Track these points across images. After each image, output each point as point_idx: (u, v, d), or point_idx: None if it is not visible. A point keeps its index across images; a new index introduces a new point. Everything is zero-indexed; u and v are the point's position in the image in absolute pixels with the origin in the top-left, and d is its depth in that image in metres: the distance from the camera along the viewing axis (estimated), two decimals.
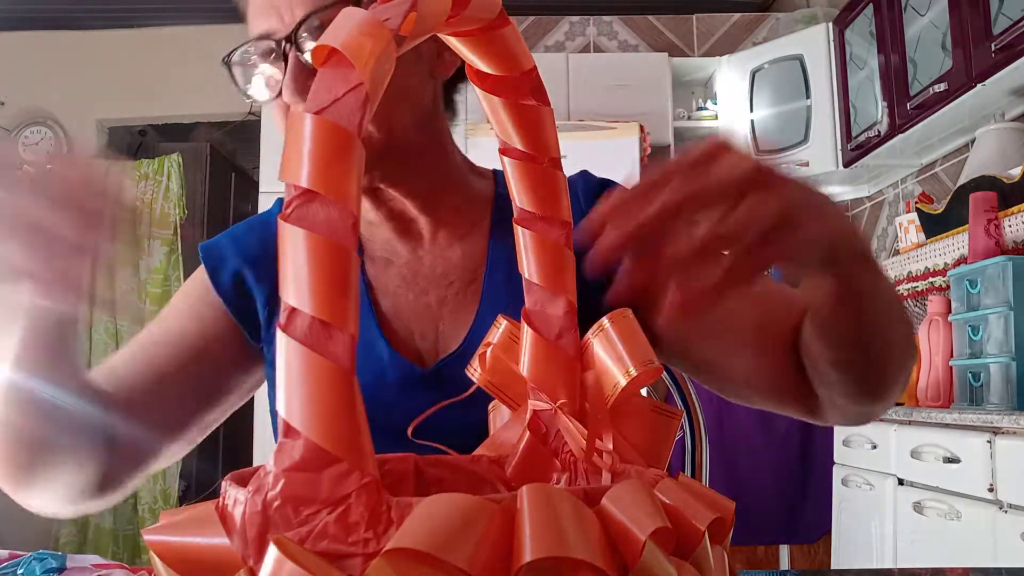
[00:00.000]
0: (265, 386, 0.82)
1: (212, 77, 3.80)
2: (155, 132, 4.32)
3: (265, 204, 3.18)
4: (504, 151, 0.45)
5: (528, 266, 0.46)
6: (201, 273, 0.79)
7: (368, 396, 0.82)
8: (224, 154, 4.25)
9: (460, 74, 0.72)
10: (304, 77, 0.62)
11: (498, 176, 0.80)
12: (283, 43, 0.63)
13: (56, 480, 0.65)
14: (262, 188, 3.32)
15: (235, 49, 0.66)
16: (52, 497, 0.67)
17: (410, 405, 0.68)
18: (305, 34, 0.62)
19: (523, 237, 0.46)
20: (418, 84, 0.68)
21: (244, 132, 3.99)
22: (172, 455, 0.76)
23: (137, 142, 4.24)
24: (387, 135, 0.65)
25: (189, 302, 0.78)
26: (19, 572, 0.71)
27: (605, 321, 0.45)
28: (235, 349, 0.77)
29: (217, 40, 3.83)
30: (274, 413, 0.67)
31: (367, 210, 0.74)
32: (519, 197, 0.46)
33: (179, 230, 3.86)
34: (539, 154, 0.45)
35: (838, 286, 0.50)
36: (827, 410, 0.66)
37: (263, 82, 0.67)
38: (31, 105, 3.91)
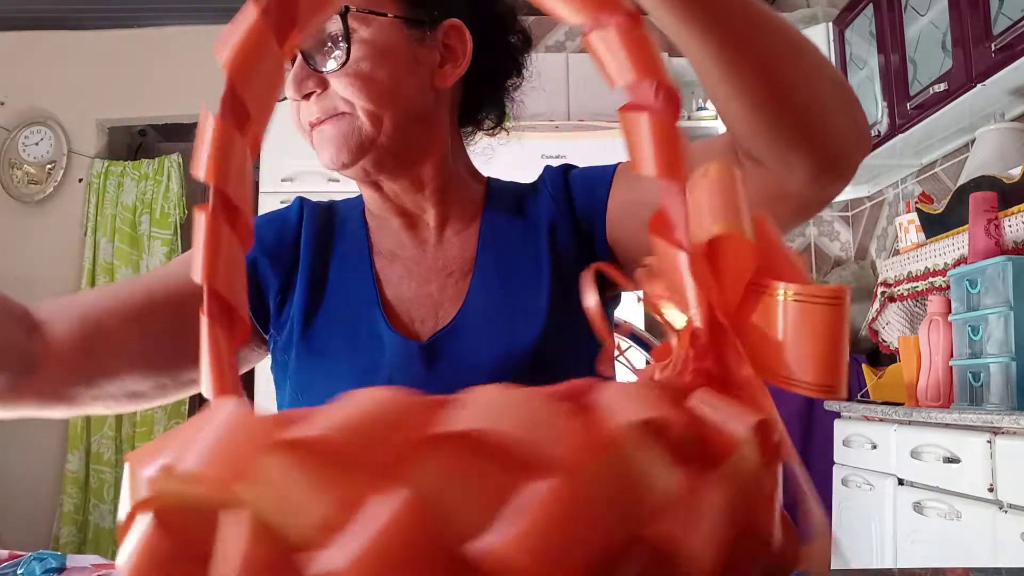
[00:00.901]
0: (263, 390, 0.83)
1: (212, 77, 3.82)
2: (155, 132, 4.32)
3: (265, 204, 3.18)
4: (587, 31, 0.32)
5: (643, 160, 0.31)
6: None
7: (371, 371, 0.85)
8: None
9: (480, 90, 0.82)
10: (303, 77, 0.71)
11: (490, 180, 0.87)
12: None
13: None
14: (262, 188, 3.31)
15: None
16: None
17: (409, 378, 0.75)
18: None
19: (631, 124, 0.31)
20: (414, 90, 0.75)
21: None
22: (126, 401, 0.75)
23: (137, 142, 4.24)
24: (376, 130, 0.73)
25: (178, 267, 0.79)
26: (19, 572, 0.71)
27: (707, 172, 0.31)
28: None
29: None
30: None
31: (377, 205, 0.82)
32: (615, 74, 0.32)
33: (179, 230, 3.86)
34: (615, 10, 0.31)
35: None
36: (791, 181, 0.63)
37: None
38: (31, 105, 3.91)
